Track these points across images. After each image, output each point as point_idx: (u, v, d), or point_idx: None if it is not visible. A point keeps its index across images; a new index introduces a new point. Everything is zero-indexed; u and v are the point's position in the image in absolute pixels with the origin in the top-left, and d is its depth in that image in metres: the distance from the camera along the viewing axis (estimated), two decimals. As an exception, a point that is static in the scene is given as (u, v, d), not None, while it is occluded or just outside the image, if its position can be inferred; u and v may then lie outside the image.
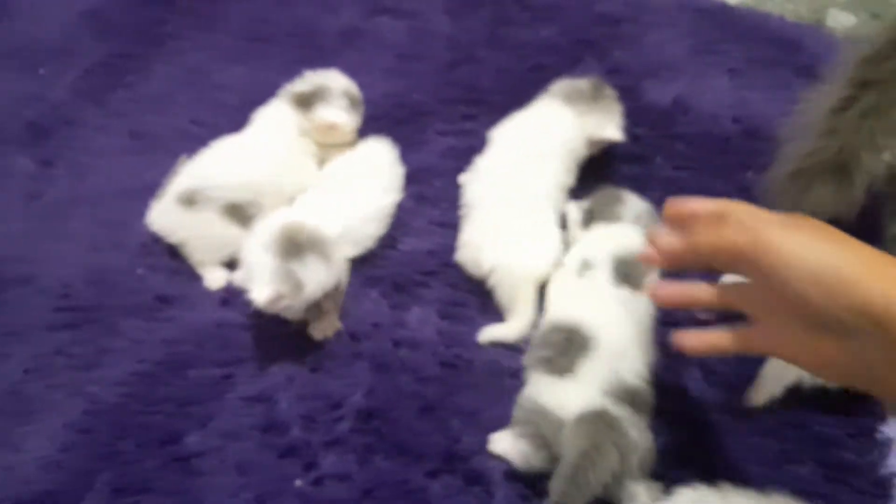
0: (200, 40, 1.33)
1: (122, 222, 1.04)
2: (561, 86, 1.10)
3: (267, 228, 0.89)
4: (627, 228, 0.92)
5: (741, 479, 0.82)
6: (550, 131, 1.04)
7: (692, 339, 0.66)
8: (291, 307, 0.86)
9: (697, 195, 1.09)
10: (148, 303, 0.97)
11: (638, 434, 0.75)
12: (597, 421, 0.72)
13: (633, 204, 0.97)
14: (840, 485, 0.83)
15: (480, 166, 1.03)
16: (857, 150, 0.88)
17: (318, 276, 0.86)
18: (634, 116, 1.21)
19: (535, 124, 1.06)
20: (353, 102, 1.08)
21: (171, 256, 1.01)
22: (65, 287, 0.98)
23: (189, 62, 1.30)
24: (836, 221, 0.89)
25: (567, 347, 0.79)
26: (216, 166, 0.99)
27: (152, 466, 0.82)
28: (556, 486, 0.72)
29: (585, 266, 0.87)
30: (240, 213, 0.98)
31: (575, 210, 1.00)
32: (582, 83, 1.08)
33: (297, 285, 0.84)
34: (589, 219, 0.96)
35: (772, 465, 0.84)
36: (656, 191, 1.11)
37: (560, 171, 1.02)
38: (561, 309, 0.85)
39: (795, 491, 0.82)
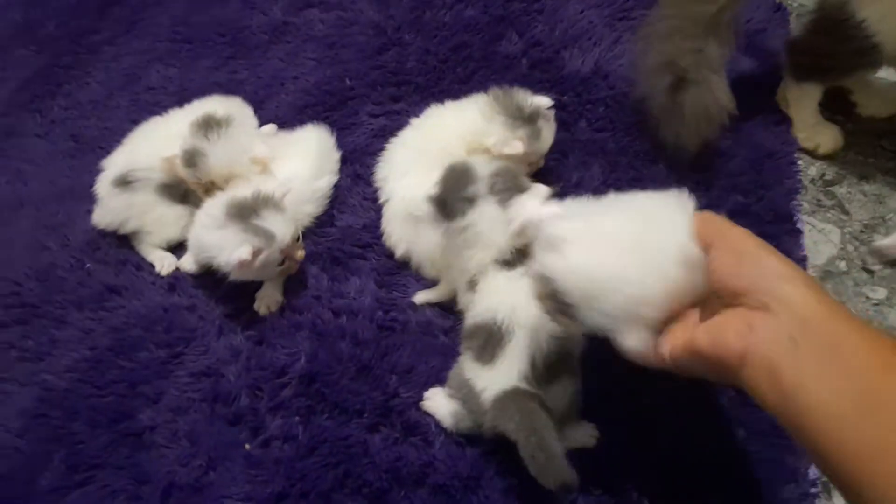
0: (133, 46, 1.37)
1: (67, 223, 1.09)
2: (501, 95, 1.05)
3: (212, 208, 0.96)
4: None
5: (661, 410, 0.90)
6: (463, 133, 1.04)
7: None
8: (268, 263, 0.93)
9: (616, 154, 1.18)
10: (96, 294, 1.01)
11: (552, 398, 0.78)
12: (513, 396, 0.76)
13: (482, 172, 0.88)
14: (756, 410, 0.88)
15: (390, 153, 1.08)
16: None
17: (280, 224, 0.94)
18: (558, 85, 1.28)
19: (452, 122, 1.07)
20: (189, 159, 1.01)
21: (119, 249, 1.06)
22: (14, 286, 1.02)
23: (124, 67, 1.34)
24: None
25: (487, 342, 0.80)
26: (138, 148, 1.05)
27: (105, 443, 0.87)
28: (542, 478, 0.71)
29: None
30: (174, 192, 1.03)
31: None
32: (525, 100, 1.04)
33: (268, 236, 0.92)
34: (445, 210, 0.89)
35: (688, 398, 0.91)
36: (578, 153, 1.18)
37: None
38: (483, 307, 0.84)
39: (715, 419, 0.89)
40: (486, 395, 0.78)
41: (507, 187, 0.85)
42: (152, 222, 1.04)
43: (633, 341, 0.65)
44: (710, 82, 1.05)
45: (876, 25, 0.99)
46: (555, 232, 0.67)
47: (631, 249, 0.64)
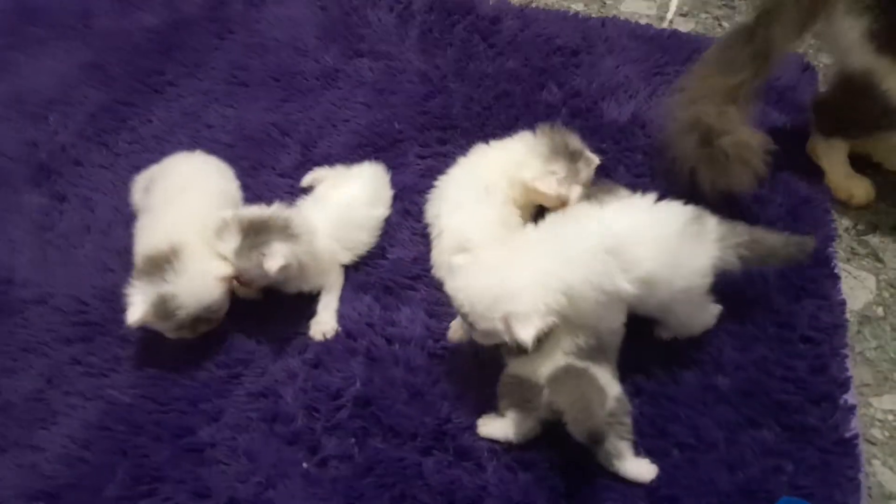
0: (193, 87, 1.45)
1: (130, 247, 1.12)
2: (549, 132, 1.13)
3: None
4: None
5: (709, 443, 0.91)
6: (506, 167, 1.11)
7: None
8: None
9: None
10: (157, 316, 1.05)
11: (604, 379, 0.86)
12: (566, 371, 0.85)
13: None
14: (805, 445, 0.91)
15: (439, 190, 1.14)
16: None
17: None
18: (598, 133, 1.34)
19: (497, 158, 1.14)
20: (160, 310, 0.96)
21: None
22: (80, 304, 1.06)
23: (184, 106, 1.41)
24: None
25: None
26: None
27: (167, 457, 0.89)
28: (577, 431, 0.80)
29: None
30: None
31: None
32: (571, 139, 1.13)
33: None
34: None
35: (736, 430, 0.93)
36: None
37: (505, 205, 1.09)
38: None
39: (762, 452, 0.90)
40: (540, 374, 0.87)
41: None
42: None
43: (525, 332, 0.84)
44: (738, 129, 1.12)
45: None
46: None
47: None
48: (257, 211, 1.01)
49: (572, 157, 1.11)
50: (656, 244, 0.90)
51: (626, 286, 0.89)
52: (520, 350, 0.89)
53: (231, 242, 0.97)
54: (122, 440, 0.91)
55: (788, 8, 1.09)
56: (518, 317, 0.86)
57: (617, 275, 0.89)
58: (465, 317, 0.91)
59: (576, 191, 1.09)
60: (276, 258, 0.95)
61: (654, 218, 0.95)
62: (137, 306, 0.94)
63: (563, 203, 1.11)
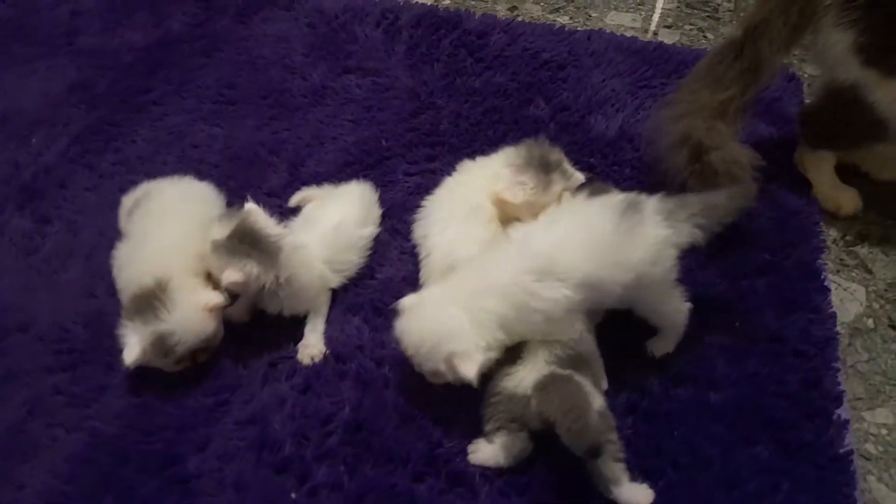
0: (179, 105, 1.43)
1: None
2: (531, 146, 1.12)
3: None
4: None
5: (705, 461, 0.90)
6: (487, 184, 1.09)
7: None
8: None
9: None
10: (143, 342, 1.03)
11: (589, 388, 0.86)
12: (551, 379, 0.85)
13: None
14: (800, 462, 0.90)
15: (427, 210, 1.12)
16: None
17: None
18: (586, 147, 1.34)
19: (480, 175, 1.13)
20: (158, 347, 0.94)
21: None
22: (62, 332, 1.04)
23: (169, 125, 1.40)
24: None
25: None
26: None
27: (153, 490, 0.87)
28: (572, 442, 0.80)
29: None
30: None
31: None
32: (546, 152, 1.10)
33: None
34: None
35: (731, 448, 0.92)
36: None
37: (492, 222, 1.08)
38: None
39: (757, 470, 0.90)
40: (526, 385, 0.87)
41: None
42: None
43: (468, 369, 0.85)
44: (727, 144, 1.12)
45: (886, 108, 1.06)
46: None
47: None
48: (265, 222, 0.98)
49: (545, 168, 1.08)
50: (588, 246, 0.89)
51: (568, 293, 0.88)
52: (502, 362, 0.89)
53: (218, 235, 0.95)
54: (106, 472, 0.89)
55: (776, 22, 1.09)
56: (460, 356, 0.86)
57: (549, 290, 0.88)
58: (410, 359, 0.91)
59: (548, 198, 1.07)
60: (235, 274, 0.93)
61: (581, 220, 0.93)
62: (133, 347, 0.92)
63: (534, 214, 1.08)
